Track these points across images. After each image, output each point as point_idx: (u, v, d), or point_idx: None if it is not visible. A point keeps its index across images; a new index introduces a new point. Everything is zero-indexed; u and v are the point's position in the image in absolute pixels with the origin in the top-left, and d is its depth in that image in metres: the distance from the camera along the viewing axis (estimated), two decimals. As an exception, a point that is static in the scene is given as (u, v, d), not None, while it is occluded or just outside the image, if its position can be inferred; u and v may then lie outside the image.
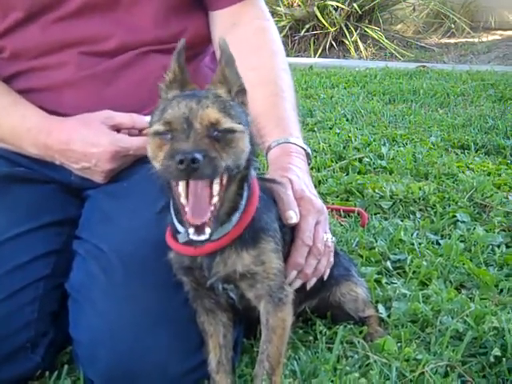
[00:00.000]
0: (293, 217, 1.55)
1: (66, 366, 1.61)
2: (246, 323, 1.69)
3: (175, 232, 1.46)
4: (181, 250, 1.46)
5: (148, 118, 1.72)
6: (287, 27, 9.52)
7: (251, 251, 1.42)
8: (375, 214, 2.85)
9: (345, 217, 2.80)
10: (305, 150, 1.78)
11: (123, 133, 1.72)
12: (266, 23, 1.96)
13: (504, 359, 1.64)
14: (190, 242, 1.35)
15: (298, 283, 1.60)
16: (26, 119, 1.75)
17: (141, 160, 1.74)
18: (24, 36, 1.80)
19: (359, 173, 3.44)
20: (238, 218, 1.42)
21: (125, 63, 1.82)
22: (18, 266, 1.61)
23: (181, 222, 1.42)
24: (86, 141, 1.68)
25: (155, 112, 1.38)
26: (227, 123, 1.30)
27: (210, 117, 1.28)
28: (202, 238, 1.28)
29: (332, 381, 1.52)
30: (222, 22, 1.93)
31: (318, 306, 1.85)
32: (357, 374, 1.53)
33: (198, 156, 1.20)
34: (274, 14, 9.14)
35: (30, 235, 1.67)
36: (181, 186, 1.31)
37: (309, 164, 1.80)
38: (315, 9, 9.42)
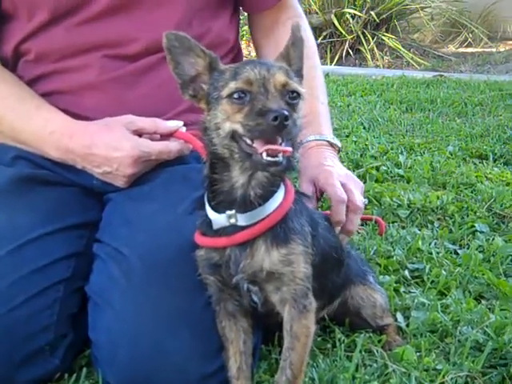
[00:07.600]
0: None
1: (84, 369, 1.60)
2: (264, 329, 1.68)
3: (207, 228, 1.46)
4: (212, 244, 1.46)
5: (171, 123, 1.74)
6: (304, 35, 9.52)
7: (281, 249, 1.42)
8: (393, 223, 2.83)
9: (362, 225, 2.78)
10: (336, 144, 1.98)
11: (145, 137, 1.73)
12: (300, 21, 2.02)
13: (525, 371, 1.63)
14: (223, 230, 1.42)
15: (344, 240, 1.80)
16: (49, 122, 1.75)
17: (162, 164, 1.75)
18: (49, 38, 1.82)
19: (376, 181, 3.42)
20: (271, 210, 1.41)
21: (147, 67, 1.83)
22: (39, 268, 1.61)
23: (216, 210, 1.43)
24: (109, 145, 1.68)
25: (221, 78, 1.39)
26: (293, 85, 1.36)
27: (281, 79, 1.34)
28: (276, 159, 1.28)
29: (351, 389, 1.51)
30: (262, 24, 2.15)
31: (336, 313, 1.84)
32: (376, 383, 1.52)
33: (289, 113, 1.25)
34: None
35: (51, 237, 1.68)
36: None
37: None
38: (332, 16, 9.45)
